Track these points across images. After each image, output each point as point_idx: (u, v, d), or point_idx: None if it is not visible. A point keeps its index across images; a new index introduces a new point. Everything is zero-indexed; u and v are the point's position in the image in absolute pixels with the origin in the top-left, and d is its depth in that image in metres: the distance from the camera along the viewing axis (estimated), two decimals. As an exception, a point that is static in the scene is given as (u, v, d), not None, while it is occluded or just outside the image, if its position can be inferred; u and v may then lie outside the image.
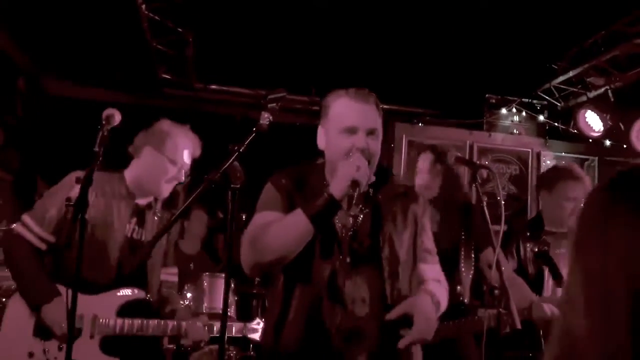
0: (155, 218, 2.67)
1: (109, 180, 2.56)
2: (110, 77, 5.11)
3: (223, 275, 3.81)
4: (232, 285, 3.80)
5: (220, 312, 3.55)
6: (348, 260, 1.81)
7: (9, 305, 2.46)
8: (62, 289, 2.40)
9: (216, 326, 2.68)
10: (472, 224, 2.94)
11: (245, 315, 4.02)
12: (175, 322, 2.56)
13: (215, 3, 4.19)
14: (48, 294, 2.37)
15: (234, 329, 2.88)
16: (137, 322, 2.48)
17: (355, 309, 1.79)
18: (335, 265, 1.79)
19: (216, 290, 4.05)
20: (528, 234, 3.16)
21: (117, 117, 2.17)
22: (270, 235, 1.75)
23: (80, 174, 2.45)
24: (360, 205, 1.88)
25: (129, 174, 2.62)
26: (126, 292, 2.52)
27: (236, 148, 1.67)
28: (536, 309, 2.76)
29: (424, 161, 2.87)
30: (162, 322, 2.54)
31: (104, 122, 2.08)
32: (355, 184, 1.71)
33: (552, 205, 3.16)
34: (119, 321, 2.46)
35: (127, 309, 2.50)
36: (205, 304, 3.96)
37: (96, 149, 1.96)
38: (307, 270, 1.79)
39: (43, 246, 2.45)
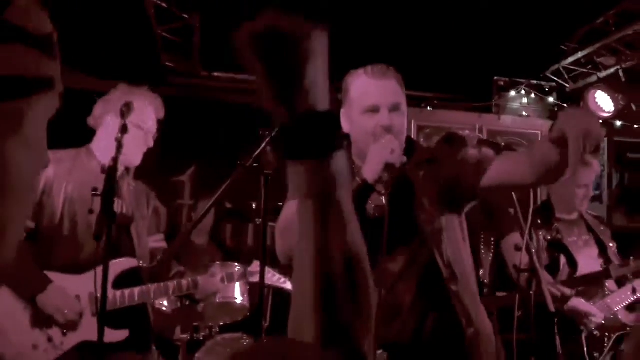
0: (131, 188, 2.61)
1: (76, 156, 2.49)
2: (113, 66, 5.04)
3: (235, 264, 3.81)
4: (243, 273, 3.79)
5: (234, 300, 3.59)
6: (385, 239, 1.78)
7: None
8: (54, 275, 2.34)
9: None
10: (491, 208, 2.93)
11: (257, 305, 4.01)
12: (175, 282, 2.52)
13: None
14: (40, 283, 2.30)
15: (236, 275, 2.97)
16: (137, 290, 2.44)
17: (395, 285, 1.77)
18: (372, 246, 1.77)
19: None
20: (539, 221, 3.15)
21: (136, 106, 2.14)
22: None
23: (50, 153, 2.41)
24: (392, 180, 1.84)
25: (96, 146, 2.53)
26: (117, 262, 2.45)
27: (267, 133, 1.63)
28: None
29: None
30: (162, 284, 2.50)
31: (123, 111, 2.04)
32: (389, 167, 1.68)
33: (562, 192, 3.15)
34: (118, 293, 2.41)
35: (123, 280, 2.45)
36: (219, 294, 3.95)
37: (117, 136, 1.92)
38: None
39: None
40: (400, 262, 1.80)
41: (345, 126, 1.90)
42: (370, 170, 1.71)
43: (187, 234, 1.88)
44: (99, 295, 2.34)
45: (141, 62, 5.06)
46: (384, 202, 1.81)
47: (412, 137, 5.13)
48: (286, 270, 3.97)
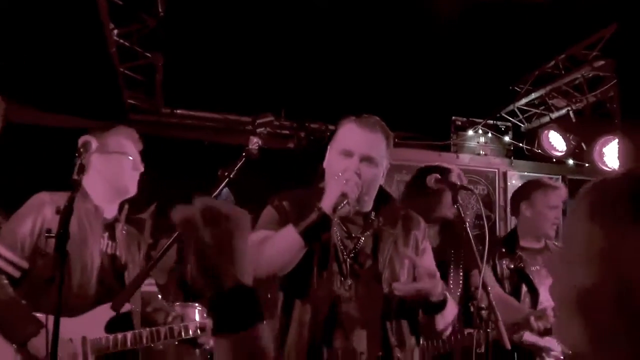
0: (123, 233, 2.62)
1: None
2: (75, 104, 4.98)
3: (196, 305, 3.74)
4: (205, 314, 3.73)
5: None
6: (349, 282, 1.82)
7: None
8: (42, 317, 2.27)
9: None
10: (458, 243, 2.98)
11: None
12: (167, 327, 2.49)
13: (183, 27, 4.17)
14: (33, 326, 2.24)
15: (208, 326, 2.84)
16: (130, 334, 2.41)
17: (355, 332, 1.79)
18: (336, 287, 1.81)
19: (189, 320, 3.97)
20: (503, 249, 3.21)
21: (94, 144, 2.13)
22: (264, 252, 1.76)
23: (45, 195, 2.43)
24: (362, 227, 1.91)
25: (90, 188, 2.54)
26: (110, 306, 2.39)
27: (226, 174, 1.65)
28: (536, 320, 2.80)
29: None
30: (155, 329, 2.46)
31: (80, 150, 2.02)
32: (343, 195, 1.75)
33: (532, 216, 3.22)
34: (111, 337, 2.38)
35: (115, 324, 2.42)
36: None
37: (75, 177, 1.89)
38: (307, 292, 1.79)
39: (17, 273, 2.34)
40: (363, 306, 1.84)
41: (325, 161, 2.02)
42: (327, 200, 1.78)
43: (145, 274, 1.86)
44: (91, 338, 2.35)
45: (103, 99, 5.03)
46: (351, 243, 1.88)
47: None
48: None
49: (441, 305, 1.92)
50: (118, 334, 2.40)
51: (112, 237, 2.57)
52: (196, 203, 0.78)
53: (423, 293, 1.81)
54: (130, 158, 2.57)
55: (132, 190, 2.61)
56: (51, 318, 2.23)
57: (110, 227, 2.57)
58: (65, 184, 2.48)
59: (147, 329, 2.47)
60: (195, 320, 2.84)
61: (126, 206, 2.67)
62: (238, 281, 0.76)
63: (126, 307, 2.46)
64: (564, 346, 0.77)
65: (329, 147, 2.02)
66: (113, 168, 2.53)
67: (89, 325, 2.35)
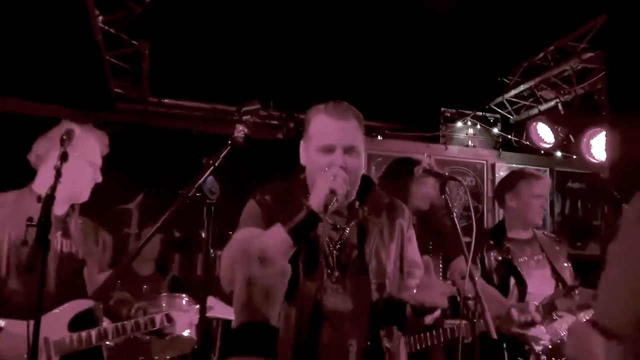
0: (78, 226, 2.55)
1: (19, 198, 2.40)
2: (60, 92, 4.92)
3: (183, 295, 3.73)
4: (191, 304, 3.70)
5: (180, 334, 3.49)
6: (336, 273, 1.80)
7: None
8: (4, 322, 2.25)
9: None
10: (439, 235, 2.97)
11: (205, 337, 3.91)
12: (132, 321, 2.46)
13: (169, 15, 4.11)
14: None
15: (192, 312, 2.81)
16: (94, 331, 2.38)
17: (343, 325, 1.78)
18: (323, 279, 1.78)
19: (170, 309, 3.95)
20: (491, 242, 3.20)
21: (77, 132, 2.10)
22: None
23: None
24: (346, 218, 1.89)
25: (39, 184, 2.44)
26: (71, 305, 2.40)
27: (211, 162, 1.62)
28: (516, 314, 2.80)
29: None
30: (120, 325, 2.43)
31: (64, 138, 1.99)
32: (332, 192, 1.71)
33: (517, 206, 3.21)
34: (75, 336, 2.35)
35: (79, 322, 2.38)
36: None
37: (57, 164, 1.85)
38: (293, 286, 1.76)
39: None
40: (350, 298, 1.82)
41: (303, 158, 1.94)
42: (315, 198, 1.73)
43: (127, 263, 1.83)
44: (58, 340, 2.31)
45: (90, 87, 4.97)
46: (336, 235, 1.85)
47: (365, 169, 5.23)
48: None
49: (435, 309, 1.91)
50: (82, 332, 2.36)
51: (66, 234, 2.48)
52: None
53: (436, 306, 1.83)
54: (94, 163, 2.50)
55: (85, 197, 2.53)
56: (11, 322, 2.22)
57: (62, 222, 2.48)
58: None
59: (112, 324, 2.43)
60: (163, 310, 2.79)
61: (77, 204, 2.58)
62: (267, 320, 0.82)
63: (88, 304, 2.43)
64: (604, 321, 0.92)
65: (302, 142, 1.94)
66: (75, 173, 2.37)
67: (52, 326, 2.29)
